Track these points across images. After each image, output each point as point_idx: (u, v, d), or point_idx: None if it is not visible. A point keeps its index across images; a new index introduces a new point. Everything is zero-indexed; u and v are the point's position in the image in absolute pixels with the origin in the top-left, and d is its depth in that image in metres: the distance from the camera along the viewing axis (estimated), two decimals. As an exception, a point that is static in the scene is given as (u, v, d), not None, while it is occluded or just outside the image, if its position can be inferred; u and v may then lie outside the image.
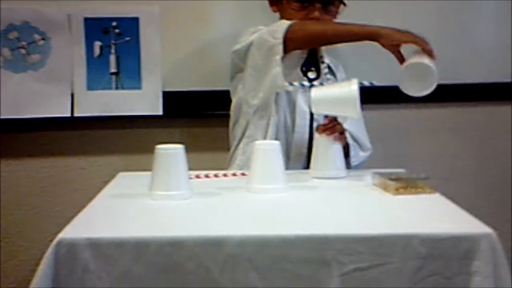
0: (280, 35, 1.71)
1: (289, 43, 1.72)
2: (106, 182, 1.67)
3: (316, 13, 1.81)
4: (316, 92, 1.64)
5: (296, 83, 1.74)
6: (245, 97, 1.85)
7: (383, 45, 1.64)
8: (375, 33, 1.64)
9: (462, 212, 1.34)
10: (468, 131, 2.31)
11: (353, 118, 1.70)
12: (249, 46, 1.81)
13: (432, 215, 1.35)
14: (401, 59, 1.63)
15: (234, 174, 1.74)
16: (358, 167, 1.87)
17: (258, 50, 1.77)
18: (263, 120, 1.83)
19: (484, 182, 2.31)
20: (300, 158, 1.82)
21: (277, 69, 1.72)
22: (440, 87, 1.60)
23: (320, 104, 1.64)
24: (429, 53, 1.60)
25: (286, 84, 1.73)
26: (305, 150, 1.82)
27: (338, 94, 1.62)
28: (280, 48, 1.71)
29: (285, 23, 1.75)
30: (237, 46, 1.84)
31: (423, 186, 1.49)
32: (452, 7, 2.23)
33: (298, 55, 1.84)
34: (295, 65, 1.83)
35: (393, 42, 1.63)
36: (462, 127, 2.31)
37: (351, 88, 1.59)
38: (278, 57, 1.72)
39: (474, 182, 2.31)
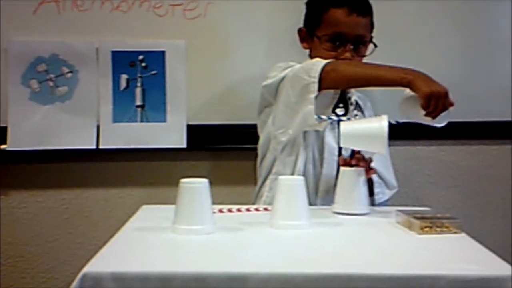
0: (316, 74, 1.71)
1: (322, 83, 1.71)
2: (129, 215, 1.67)
3: (347, 54, 1.83)
4: (346, 126, 1.64)
5: (324, 117, 1.73)
6: (274, 133, 1.86)
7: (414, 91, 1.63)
8: (407, 81, 1.62)
9: (488, 253, 1.32)
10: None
11: (380, 154, 1.69)
12: (280, 82, 1.82)
13: (458, 255, 1.33)
14: (426, 108, 1.61)
15: (257, 209, 1.74)
16: (383, 205, 1.86)
17: (292, 87, 1.77)
18: (291, 157, 1.83)
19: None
20: (328, 194, 1.81)
21: (309, 108, 1.72)
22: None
23: (349, 138, 1.63)
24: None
25: (317, 123, 1.72)
26: (333, 186, 1.81)
27: (367, 129, 1.62)
28: (315, 87, 1.71)
29: (321, 62, 1.74)
30: (268, 81, 1.85)
31: (449, 226, 1.48)
32: (470, 46, 2.24)
33: (331, 95, 1.84)
34: (328, 104, 1.84)
35: (420, 94, 1.60)
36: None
37: (381, 124, 1.58)
38: (312, 95, 1.71)
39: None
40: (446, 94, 1.59)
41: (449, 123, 1.66)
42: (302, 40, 1.95)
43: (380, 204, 1.86)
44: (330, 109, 1.85)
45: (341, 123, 1.66)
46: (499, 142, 2.29)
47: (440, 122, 1.63)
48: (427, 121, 1.63)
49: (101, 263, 1.23)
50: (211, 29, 2.17)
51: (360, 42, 1.86)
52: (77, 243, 2.22)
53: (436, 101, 1.58)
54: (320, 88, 1.72)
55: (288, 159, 1.84)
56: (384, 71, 1.69)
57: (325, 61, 1.74)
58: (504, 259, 1.26)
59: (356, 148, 1.72)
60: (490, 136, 2.29)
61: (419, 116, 1.63)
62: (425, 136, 2.23)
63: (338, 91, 1.86)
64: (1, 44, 2.11)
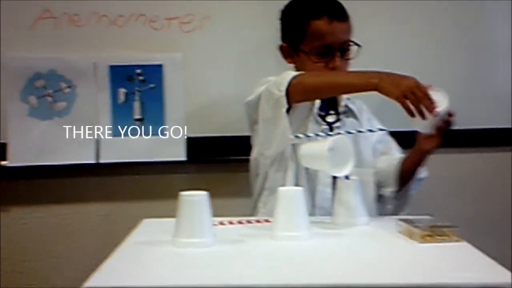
0: (283, 88, 1.69)
1: (290, 96, 1.70)
2: (130, 228, 1.67)
3: (337, 62, 1.81)
4: (303, 147, 1.67)
5: (301, 136, 1.68)
6: (260, 149, 1.85)
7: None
8: (373, 85, 1.59)
9: (489, 261, 1.32)
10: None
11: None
12: (259, 98, 1.80)
13: (459, 264, 1.33)
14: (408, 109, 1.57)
15: (258, 221, 1.74)
16: (421, 181, 1.90)
17: (266, 102, 1.76)
18: (280, 172, 1.82)
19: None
20: (325, 203, 1.80)
21: (283, 122, 1.71)
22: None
23: (306, 158, 1.67)
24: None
25: (292, 137, 1.69)
26: (329, 196, 1.79)
27: (315, 151, 1.62)
28: (284, 100, 1.69)
29: (290, 74, 1.73)
30: (249, 98, 1.84)
31: (450, 234, 1.47)
32: (461, 54, 2.25)
33: (307, 105, 1.83)
34: (306, 115, 1.83)
35: (392, 98, 1.56)
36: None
37: (324, 147, 1.59)
38: (283, 109, 1.70)
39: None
40: (417, 84, 1.55)
41: (449, 131, 1.66)
42: (286, 56, 1.91)
43: (420, 180, 1.88)
44: (311, 119, 1.83)
45: (302, 145, 1.67)
46: (499, 149, 2.29)
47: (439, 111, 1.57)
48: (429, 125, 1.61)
49: (102, 278, 1.23)
50: (208, 42, 2.18)
51: (345, 47, 1.85)
52: (78, 258, 2.21)
53: (412, 95, 1.53)
54: (291, 102, 1.70)
55: (278, 175, 1.83)
56: (350, 78, 1.69)
57: (293, 74, 1.73)
58: (505, 267, 1.26)
59: (314, 168, 1.73)
60: (489, 143, 2.29)
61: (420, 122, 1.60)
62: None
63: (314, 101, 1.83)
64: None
